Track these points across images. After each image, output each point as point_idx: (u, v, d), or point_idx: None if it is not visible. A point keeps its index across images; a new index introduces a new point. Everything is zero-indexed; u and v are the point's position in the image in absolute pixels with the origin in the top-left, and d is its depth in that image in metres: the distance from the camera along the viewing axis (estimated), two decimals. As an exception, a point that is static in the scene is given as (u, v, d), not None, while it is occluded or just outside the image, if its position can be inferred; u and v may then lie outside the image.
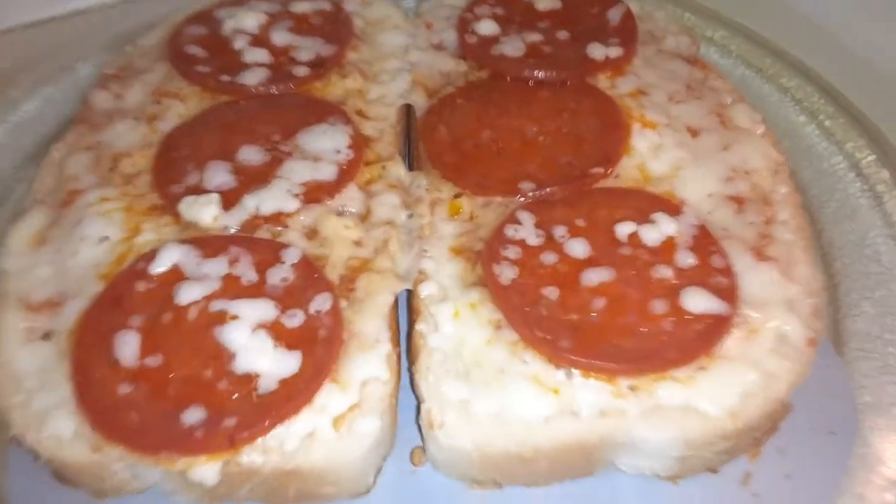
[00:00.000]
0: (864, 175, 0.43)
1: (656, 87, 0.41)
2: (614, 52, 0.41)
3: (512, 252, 0.33)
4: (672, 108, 0.39)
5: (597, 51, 0.41)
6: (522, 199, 0.35)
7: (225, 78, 0.41)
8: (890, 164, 0.43)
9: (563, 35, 0.43)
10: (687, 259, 0.32)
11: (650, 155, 0.37)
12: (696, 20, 0.52)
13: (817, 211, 0.42)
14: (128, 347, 0.29)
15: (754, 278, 0.33)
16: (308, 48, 0.42)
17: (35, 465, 0.31)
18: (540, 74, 0.40)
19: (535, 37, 0.43)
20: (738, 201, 0.35)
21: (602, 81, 0.40)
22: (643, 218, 0.33)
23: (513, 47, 0.42)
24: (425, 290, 0.32)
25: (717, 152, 0.38)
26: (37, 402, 0.30)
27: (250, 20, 0.44)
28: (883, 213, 0.41)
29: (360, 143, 0.37)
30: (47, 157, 0.39)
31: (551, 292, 0.31)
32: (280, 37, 0.43)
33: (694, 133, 0.38)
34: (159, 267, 0.32)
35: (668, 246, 0.33)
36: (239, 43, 0.43)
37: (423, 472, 0.32)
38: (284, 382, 0.29)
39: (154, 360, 0.29)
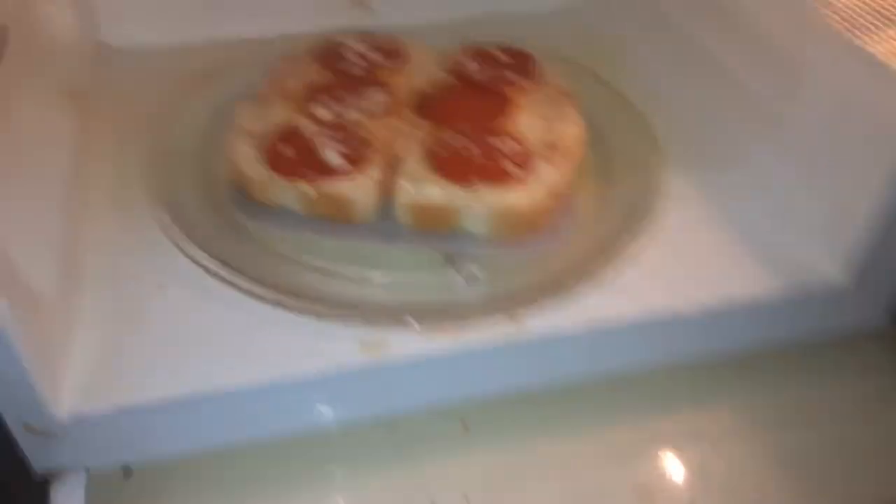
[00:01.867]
0: (644, 161, 0.86)
1: (537, 99, 0.85)
2: (522, 80, 0.86)
3: (444, 145, 0.77)
4: (539, 107, 0.81)
5: (514, 77, 0.86)
6: (456, 128, 0.80)
7: (339, 66, 0.88)
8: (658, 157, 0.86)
9: (502, 70, 0.88)
10: (515, 156, 0.76)
11: (519, 122, 0.80)
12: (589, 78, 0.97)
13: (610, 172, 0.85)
14: (285, 149, 0.75)
15: (543, 169, 0.75)
16: (381, 60, 0.89)
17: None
18: (483, 84, 0.86)
19: (488, 69, 0.88)
20: (551, 144, 0.76)
21: (512, 92, 0.85)
22: (503, 140, 0.77)
23: (475, 71, 0.88)
24: (408, 154, 0.78)
25: (550, 127, 0.80)
26: (248, 161, 0.75)
27: (355, 43, 0.91)
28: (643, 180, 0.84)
29: (395, 101, 0.83)
30: (259, 87, 0.85)
31: (456, 159, 0.76)
32: (369, 53, 0.90)
33: (544, 118, 0.80)
34: (301, 126, 0.78)
35: (509, 151, 0.76)
36: (349, 53, 0.90)
37: (394, 221, 0.77)
38: (341, 167, 0.73)
39: (294, 155, 0.74)
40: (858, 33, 0.68)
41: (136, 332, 0.60)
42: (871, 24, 0.68)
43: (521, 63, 0.88)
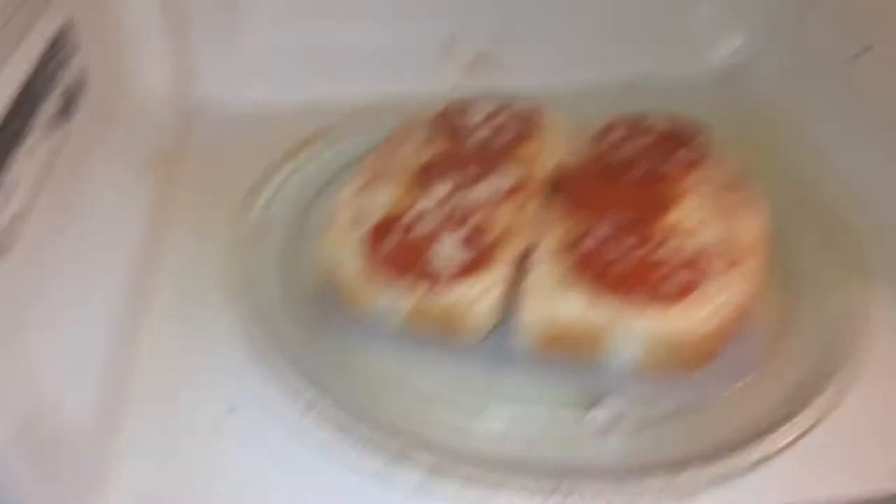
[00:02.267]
0: (837, 270, 0.66)
1: (708, 183, 0.67)
2: (688, 159, 0.68)
3: (588, 240, 0.60)
4: (711, 195, 0.64)
5: (678, 157, 0.69)
6: (605, 219, 0.63)
7: (463, 137, 0.72)
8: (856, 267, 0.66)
9: (661, 146, 0.70)
10: (684, 259, 0.58)
11: (688, 214, 0.62)
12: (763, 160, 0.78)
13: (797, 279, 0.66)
14: (390, 241, 0.58)
15: (720, 277, 0.57)
16: (511, 129, 0.71)
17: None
18: (640, 163, 0.68)
19: (643, 143, 0.70)
20: (727, 244, 0.60)
21: (676, 174, 0.68)
22: (668, 237, 0.60)
23: (628, 147, 0.70)
24: (539, 249, 0.61)
25: (727, 221, 0.61)
26: (344, 255, 0.60)
27: (482, 110, 0.75)
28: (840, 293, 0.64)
29: (526, 179, 0.65)
30: (366, 158, 0.69)
31: (603, 261, 0.59)
32: (497, 121, 0.73)
33: (719, 210, 0.63)
34: (412, 213, 0.62)
35: (677, 251, 0.59)
36: (474, 120, 0.73)
37: (514, 343, 0.60)
38: (458, 270, 0.58)
39: (401, 249, 0.57)
40: None
41: (188, 478, 0.47)
42: None
43: (684, 140, 0.71)
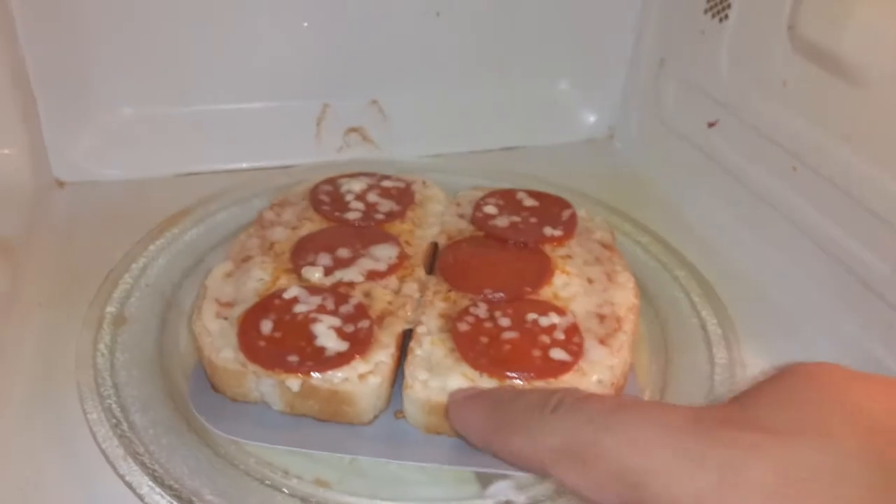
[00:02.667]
0: (706, 330, 0.69)
1: (578, 255, 0.68)
2: (558, 232, 0.71)
3: (468, 319, 0.60)
4: (582, 267, 0.67)
5: (548, 231, 0.71)
6: (482, 296, 0.63)
7: (337, 214, 0.72)
8: (724, 325, 0.70)
9: (533, 220, 0.73)
10: (560, 335, 0.59)
11: (561, 287, 0.64)
12: (630, 227, 0.82)
13: (669, 342, 0.69)
14: (265, 326, 0.57)
15: (595, 352, 0.59)
16: (385, 205, 0.74)
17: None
18: (513, 238, 0.70)
19: (516, 218, 0.72)
20: (600, 317, 0.62)
21: (548, 248, 0.69)
22: (544, 313, 0.61)
23: (502, 221, 0.72)
24: (420, 329, 0.60)
25: (599, 293, 0.65)
26: (217, 343, 0.58)
27: (356, 186, 0.76)
28: (710, 353, 0.67)
29: (403, 256, 0.66)
30: (237, 238, 0.70)
31: (483, 339, 0.58)
32: (372, 197, 0.75)
33: (590, 281, 0.66)
34: (287, 295, 0.61)
35: (552, 328, 0.59)
36: (348, 197, 0.74)
37: (401, 422, 0.58)
38: (339, 354, 0.56)
39: (277, 334, 0.57)
40: None
41: None
42: None
43: (553, 209, 0.74)
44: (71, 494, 0.52)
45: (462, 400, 0.50)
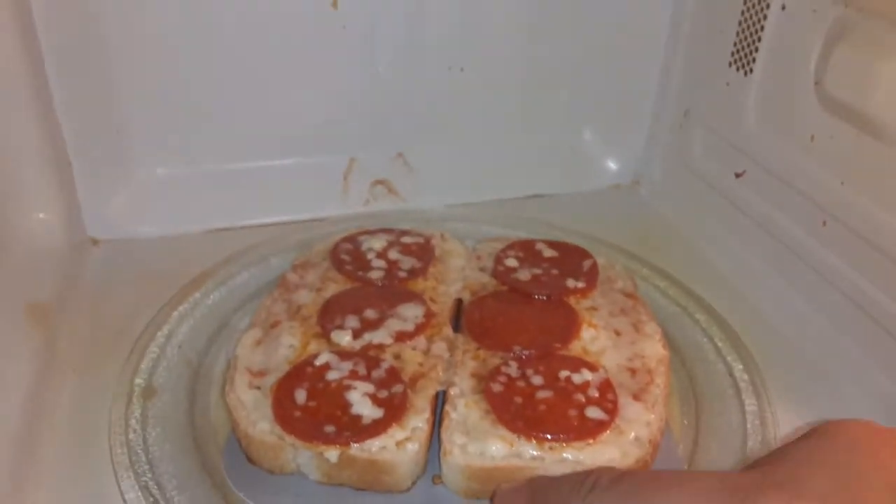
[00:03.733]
0: (734, 377, 0.69)
1: (603, 307, 0.69)
2: (581, 284, 0.71)
3: (501, 379, 0.60)
4: (608, 319, 0.67)
5: (571, 282, 0.71)
6: (512, 354, 0.63)
7: (360, 273, 0.72)
8: (750, 371, 0.70)
9: (554, 272, 0.73)
10: (594, 392, 0.59)
11: (589, 342, 0.65)
12: (648, 272, 0.82)
13: (698, 390, 0.69)
14: (300, 396, 0.57)
15: (630, 408, 0.59)
16: (407, 262, 0.74)
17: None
18: (537, 292, 0.71)
19: (537, 270, 0.73)
20: (632, 371, 0.62)
21: (572, 301, 0.70)
22: (576, 369, 0.61)
23: (524, 274, 0.73)
24: (453, 391, 0.60)
25: (628, 346, 0.65)
26: (252, 416, 0.58)
27: (377, 244, 0.76)
28: (739, 401, 0.67)
29: (429, 315, 0.67)
30: (262, 303, 0.69)
31: (517, 399, 0.58)
32: (393, 254, 0.75)
33: (618, 333, 0.66)
34: (319, 362, 0.61)
35: (585, 385, 0.60)
36: (369, 255, 0.74)
37: (440, 488, 0.58)
38: (375, 422, 0.56)
39: (312, 403, 0.57)
40: None
41: None
42: None
43: (573, 259, 0.74)
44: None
45: (505, 492, 0.51)
